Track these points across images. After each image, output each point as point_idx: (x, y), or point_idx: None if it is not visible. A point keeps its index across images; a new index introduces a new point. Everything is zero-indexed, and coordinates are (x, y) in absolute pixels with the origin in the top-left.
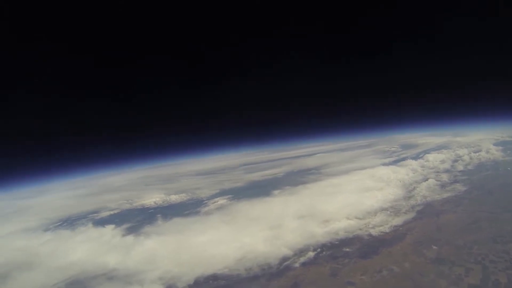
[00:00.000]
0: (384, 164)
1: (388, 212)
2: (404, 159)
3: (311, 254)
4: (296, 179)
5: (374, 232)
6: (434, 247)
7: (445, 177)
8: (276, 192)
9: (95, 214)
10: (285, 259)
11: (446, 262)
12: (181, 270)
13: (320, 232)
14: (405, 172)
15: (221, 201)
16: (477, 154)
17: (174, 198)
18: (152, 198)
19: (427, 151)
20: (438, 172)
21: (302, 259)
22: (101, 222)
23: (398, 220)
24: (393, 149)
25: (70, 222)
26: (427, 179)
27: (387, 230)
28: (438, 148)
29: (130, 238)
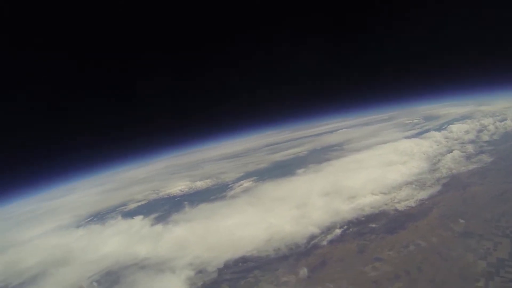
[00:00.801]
0: (407, 137)
1: (413, 186)
2: (427, 131)
3: (338, 231)
4: (319, 156)
5: (400, 206)
6: (461, 220)
7: (470, 148)
8: (300, 171)
9: (123, 207)
10: (312, 237)
11: (474, 236)
12: (210, 254)
13: (346, 209)
14: (428, 144)
15: (246, 183)
16: (502, 123)
17: (200, 184)
18: (178, 186)
19: (450, 122)
20: (463, 143)
21: (329, 237)
22: (130, 214)
23: (423, 194)
24: (415, 121)
25: (99, 217)
26: (451, 151)
27: (413, 204)
28: (462, 118)
29: (159, 227)
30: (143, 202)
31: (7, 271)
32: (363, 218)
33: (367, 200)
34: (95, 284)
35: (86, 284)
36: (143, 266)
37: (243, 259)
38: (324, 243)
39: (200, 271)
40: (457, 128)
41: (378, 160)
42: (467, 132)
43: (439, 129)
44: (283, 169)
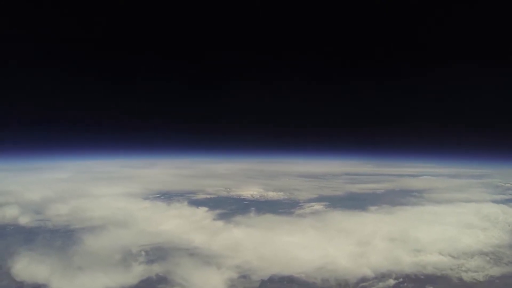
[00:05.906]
0: (494, 201)
1: (488, 258)
2: None
3: (391, 281)
4: (395, 198)
5: (466, 276)
6: None
7: None
8: (373, 208)
9: (192, 195)
10: (364, 279)
11: None
12: (260, 264)
13: (407, 261)
14: None
15: (317, 206)
16: None
17: (272, 194)
18: (250, 191)
19: None
20: None
21: (381, 285)
22: (196, 203)
23: (496, 271)
24: (508, 185)
25: (167, 196)
26: None
27: (481, 279)
28: None
29: (219, 223)
30: (212, 196)
31: (73, 215)
32: (422, 276)
33: (433, 258)
34: (143, 253)
35: (136, 251)
36: (192, 253)
37: (289, 279)
38: None
39: (244, 276)
40: None
41: (456, 218)
42: None
43: None
44: (357, 202)
